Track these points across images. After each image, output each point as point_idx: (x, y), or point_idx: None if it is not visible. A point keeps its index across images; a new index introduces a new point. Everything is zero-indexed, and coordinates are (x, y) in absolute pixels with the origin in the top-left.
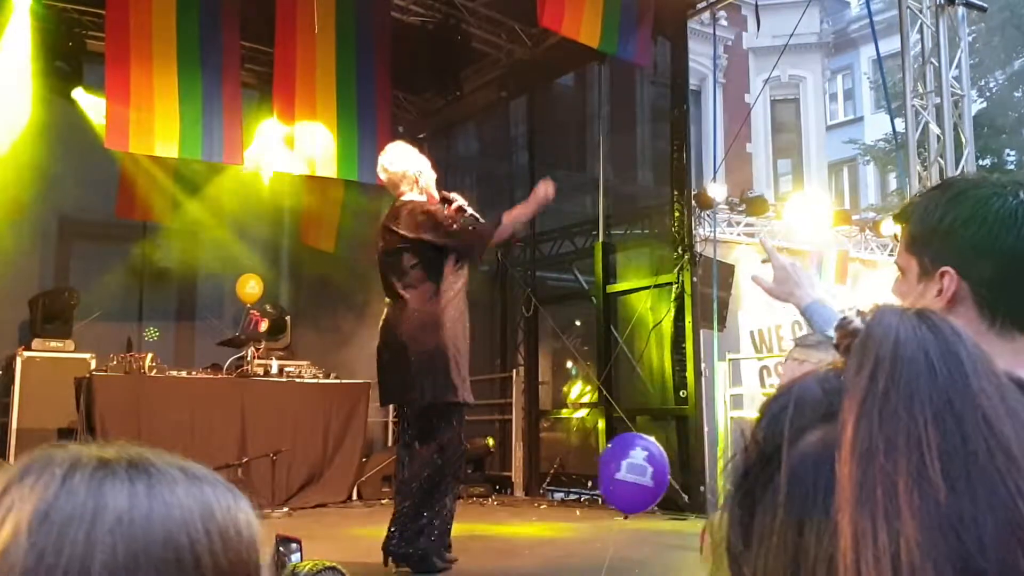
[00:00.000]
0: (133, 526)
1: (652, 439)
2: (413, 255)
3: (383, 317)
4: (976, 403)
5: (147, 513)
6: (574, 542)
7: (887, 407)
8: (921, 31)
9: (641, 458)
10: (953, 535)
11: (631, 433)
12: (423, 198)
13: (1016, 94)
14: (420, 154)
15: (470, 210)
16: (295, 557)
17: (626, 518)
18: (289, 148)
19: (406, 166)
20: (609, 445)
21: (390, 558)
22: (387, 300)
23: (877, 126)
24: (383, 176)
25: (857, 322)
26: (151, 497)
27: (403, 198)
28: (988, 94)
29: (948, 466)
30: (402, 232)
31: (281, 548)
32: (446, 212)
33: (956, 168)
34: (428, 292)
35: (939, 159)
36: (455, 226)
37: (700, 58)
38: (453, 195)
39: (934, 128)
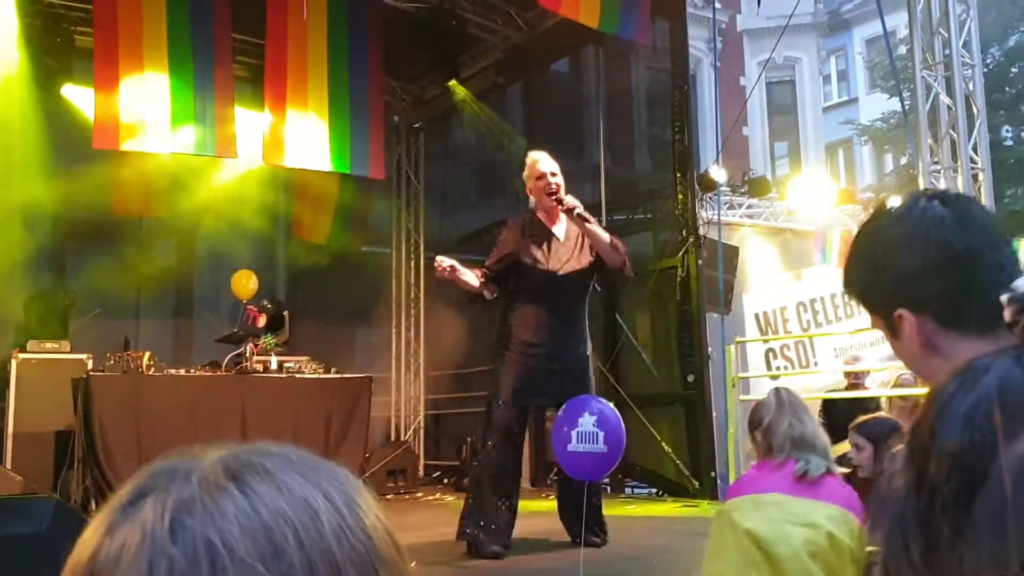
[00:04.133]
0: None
1: (604, 401)
2: None
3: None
4: None
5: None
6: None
7: None
8: (929, 2)
9: (591, 424)
10: None
11: (583, 396)
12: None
13: (1013, 70)
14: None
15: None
16: None
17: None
18: (281, 141)
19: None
20: (560, 412)
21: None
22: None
23: (872, 106)
24: None
25: None
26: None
27: None
28: (985, 70)
29: None
30: None
31: None
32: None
33: (969, 140)
34: None
35: (951, 131)
36: None
37: (695, 41)
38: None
39: (944, 99)
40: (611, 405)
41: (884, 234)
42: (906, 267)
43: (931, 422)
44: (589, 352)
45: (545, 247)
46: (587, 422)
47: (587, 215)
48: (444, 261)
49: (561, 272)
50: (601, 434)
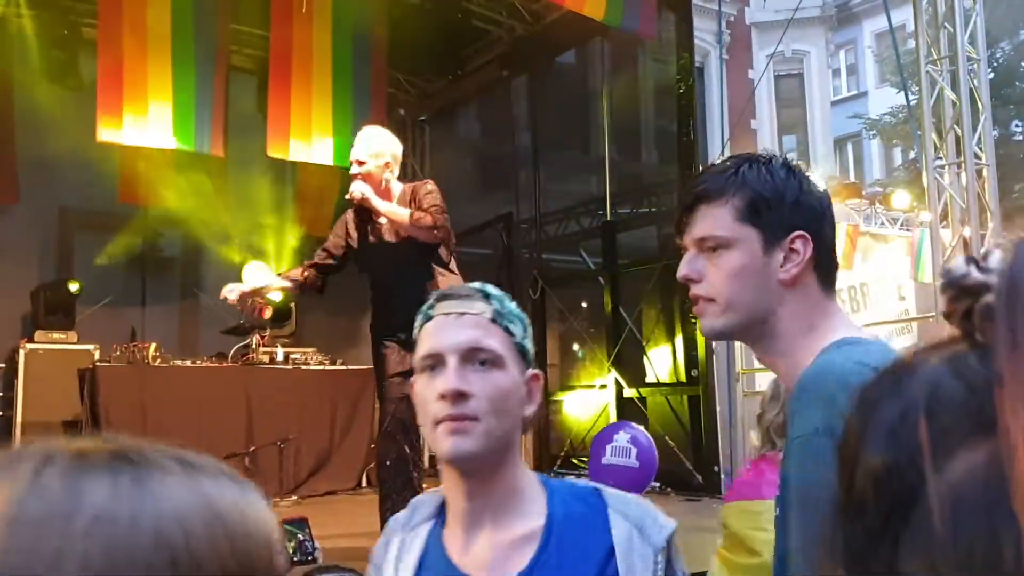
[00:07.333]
0: (115, 525)
1: (639, 427)
2: None
3: None
4: None
5: (132, 509)
6: None
7: None
8: None
9: (625, 440)
10: None
11: (619, 422)
12: None
13: (1023, 64)
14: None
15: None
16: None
17: None
18: (285, 134)
19: None
20: (598, 433)
21: None
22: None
23: (881, 100)
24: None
25: (975, 273)
26: (137, 490)
27: None
28: (995, 64)
29: None
30: None
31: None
32: None
33: (973, 135)
34: None
35: (955, 127)
36: None
37: (703, 34)
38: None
39: (949, 94)
40: (643, 430)
41: (793, 167)
42: (818, 206)
43: (856, 430)
44: None
45: (371, 229)
46: (621, 438)
47: (373, 204)
48: (232, 293)
49: (380, 252)
50: (634, 450)
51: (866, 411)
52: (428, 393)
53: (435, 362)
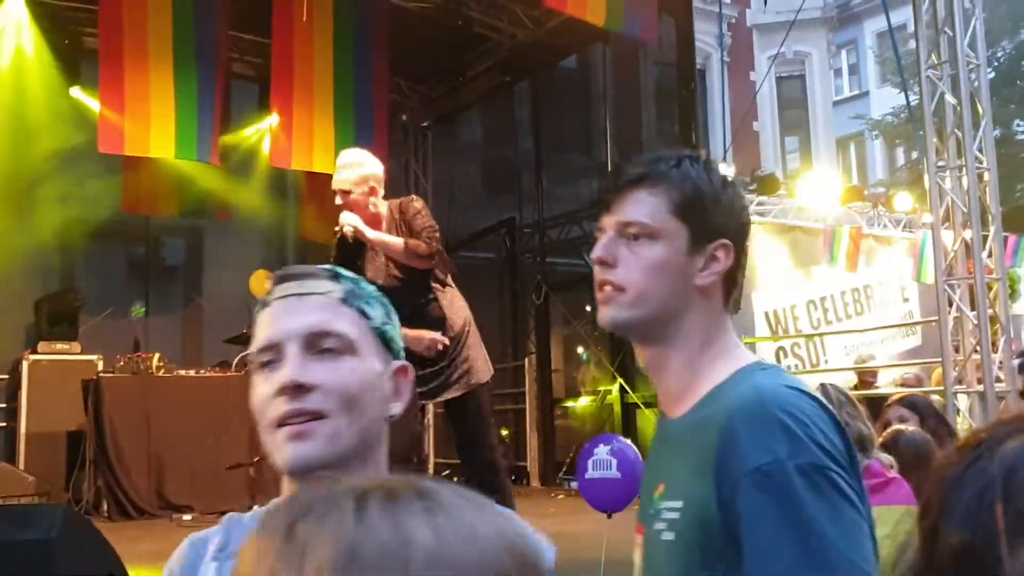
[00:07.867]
0: (445, 568)
1: (624, 439)
2: None
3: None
4: None
5: (456, 552)
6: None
7: None
8: (934, 1)
9: (604, 453)
10: None
11: (602, 435)
12: None
13: None
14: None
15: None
16: None
17: (609, 517)
18: (287, 143)
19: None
20: (581, 452)
21: None
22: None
23: (883, 100)
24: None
25: None
26: (455, 530)
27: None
28: (995, 64)
29: None
30: None
31: None
32: None
33: (974, 139)
34: None
35: (956, 131)
36: None
37: (704, 36)
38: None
39: (950, 99)
40: (630, 442)
41: (733, 179)
42: (745, 223)
43: (938, 505)
44: (461, 344)
45: (360, 258)
46: (602, 451)
47: (367, 236)
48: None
49: (374, 278)
50: (615, 461)
51: (945, 487)
52: (265, 390)
53: (274, 355)
